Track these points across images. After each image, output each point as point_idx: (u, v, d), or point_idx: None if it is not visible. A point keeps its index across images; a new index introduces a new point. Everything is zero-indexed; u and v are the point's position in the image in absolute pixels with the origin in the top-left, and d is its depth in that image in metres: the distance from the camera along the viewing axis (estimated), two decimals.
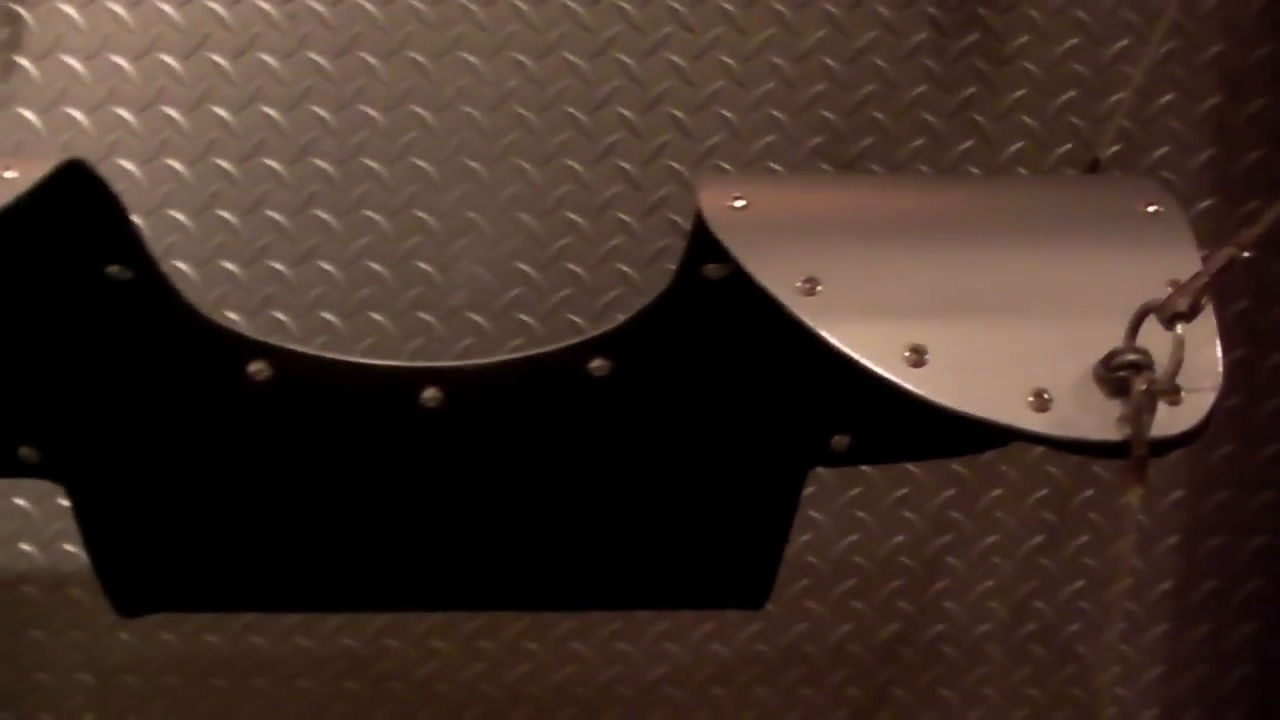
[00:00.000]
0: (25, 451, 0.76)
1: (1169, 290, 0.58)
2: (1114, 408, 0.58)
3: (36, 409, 0.76)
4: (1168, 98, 0.93)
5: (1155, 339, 0.57)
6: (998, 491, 0.98)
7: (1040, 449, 0.93)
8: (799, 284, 0.61)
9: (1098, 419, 0.58)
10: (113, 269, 0.71)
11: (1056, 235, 0.66)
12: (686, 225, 0.88)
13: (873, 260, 0.63)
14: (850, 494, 0.97)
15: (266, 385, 0.74)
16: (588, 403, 0.75)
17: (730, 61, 0.90)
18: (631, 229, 0.92)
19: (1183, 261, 0.61)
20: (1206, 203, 0.93)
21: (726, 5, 0.89)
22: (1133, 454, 0.57)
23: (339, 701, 1.01)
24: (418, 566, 0.80)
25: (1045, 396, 0.58)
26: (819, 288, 0.60)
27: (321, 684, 1.01)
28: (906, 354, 0.59)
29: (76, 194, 0.67)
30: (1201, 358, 0.58)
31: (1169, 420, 0.57)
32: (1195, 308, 0.55)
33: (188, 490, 0.78)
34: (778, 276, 0.61)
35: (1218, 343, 0.59)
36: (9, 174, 0.64)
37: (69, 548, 0.98)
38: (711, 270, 0.71)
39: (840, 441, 0.76)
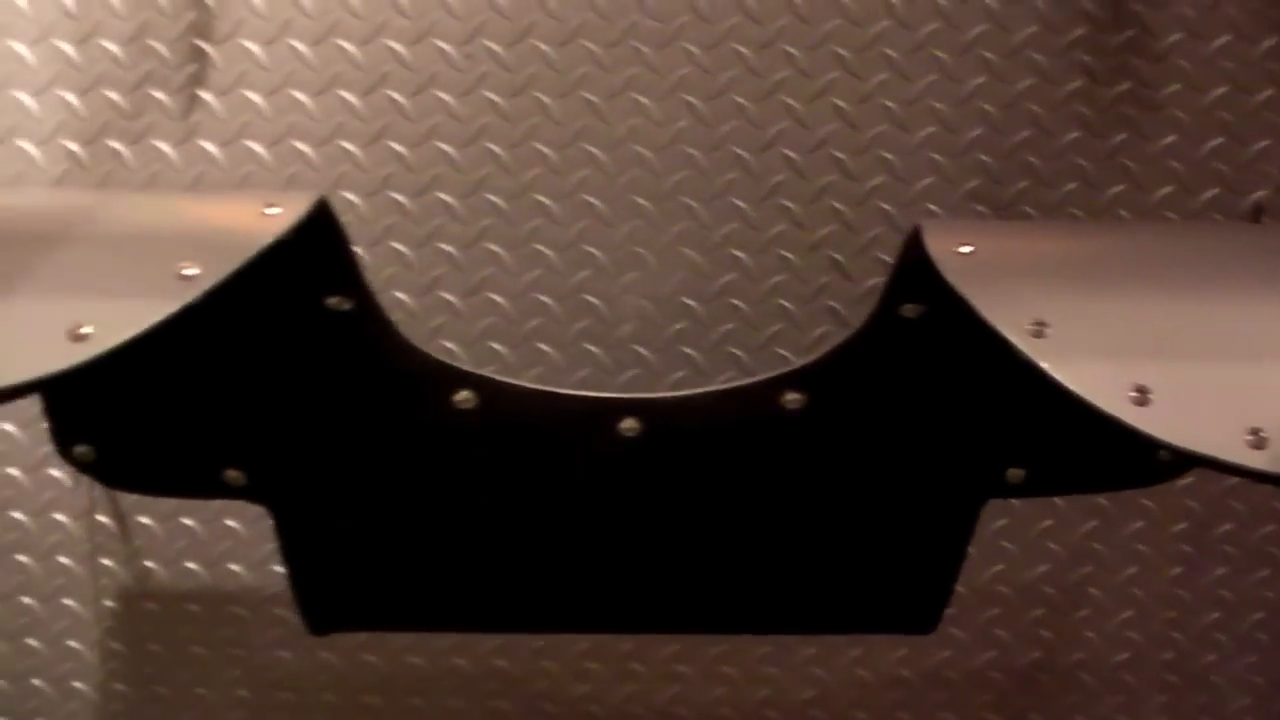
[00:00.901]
0: (232, 474, 0.81)
1: None
2: None
3: (246, 433, 0.80)
4: None
5: None
6: (1139, 524, 1.03)
7: (1183, 482, 0.98)
8: (1028, 326, 0.66)
9: None
10: (332, 300, 0.76)
11: (1262, 281, 0.71)
12: (847, 263, 0.93)
13: (1095, 304, 0.68)
14: (996, 525, 1.02)
15: (472, 414, 0.79)
16: (780, 434, 0.80)
17: (892, 106, 0.95)
18: (794, 266, 0.97)
19: None
20: None
21: (889, 52, 0.94)
22: None
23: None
24: (606, 589, 0.85)
25: (1261, 434, 0.63)
26: (1047, 330, 0.65)
27: (474, 703, 1.05)
28: (1132, 394, 0.64)
29: (311, 228, 0.72)
30: None
31: None
32: None
33: (389, 513, 0.83)
34: (1008, 319, 0.66)
35: None
36: (271, 210, 0.70)
37: (234, 567, 1.03)
38: (908, 310, 0.76)
39: (1016, 474, 0.81)
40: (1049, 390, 0.67)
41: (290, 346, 0.78)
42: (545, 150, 0.96)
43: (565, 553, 0.83)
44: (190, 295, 0.66)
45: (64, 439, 0.79)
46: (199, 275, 0.66)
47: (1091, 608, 1.06)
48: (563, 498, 0.82)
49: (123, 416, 0.80)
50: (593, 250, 0.97)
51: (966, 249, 0.70)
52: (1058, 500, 1.02)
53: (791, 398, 0.79)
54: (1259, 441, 0.62)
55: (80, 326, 0.64)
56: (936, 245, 0.70)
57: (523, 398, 0.80)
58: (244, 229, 0.69)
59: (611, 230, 0.97)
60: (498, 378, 0.80)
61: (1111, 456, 0.81)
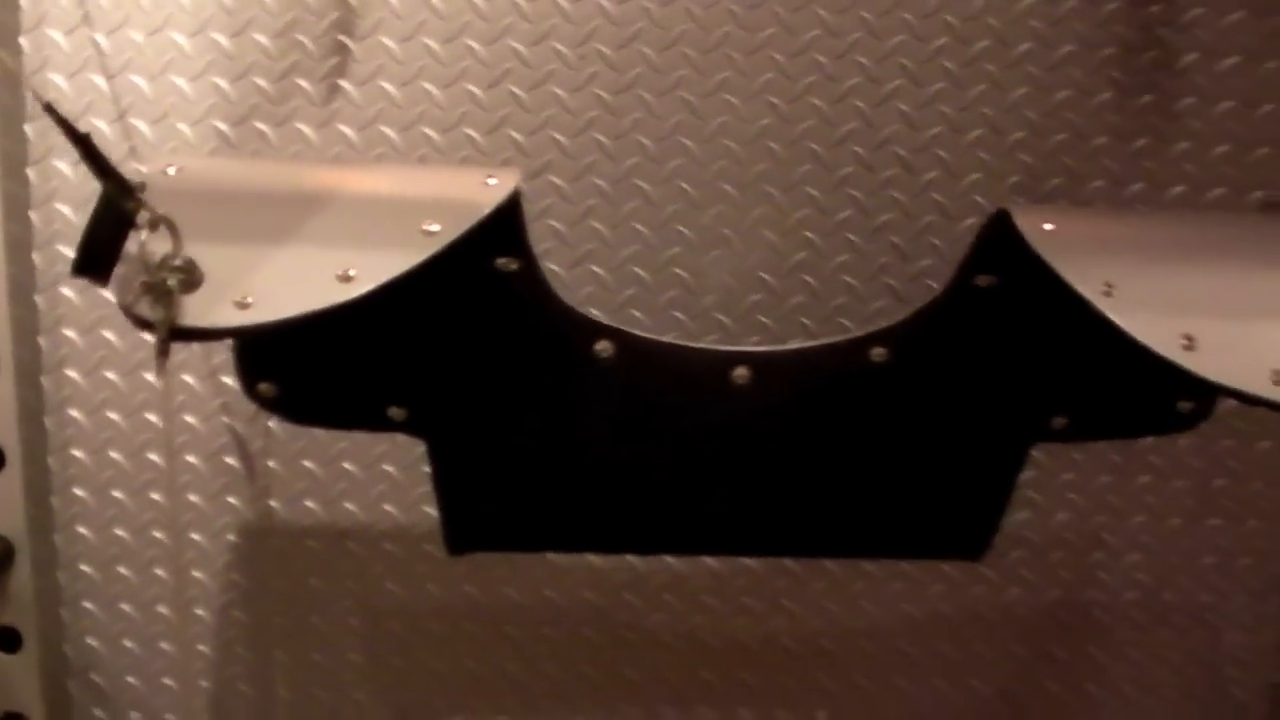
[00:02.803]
0: (394, 411, 1.01)
1: None
2: None
3: (411, 375, 1.00)
4: None
5: None
6: (1147, 478, 1.27)
7: (1186, 443, 1.23)
8: (1101, 288, 0.89)
9: None
10: (501, 260, 0.97)
11: None
12: (904, 246, 1.17)
13: (1153, 271, 0.92)
14: (1025, 478, 1.24)
15: (609, 361, 1.00)
16: (866, 383, 1.02)
17: (947, 111, 1.17)
18: (858, 247, 1.19)
19: None
20: None
21: (946, 64, 1.16)
22: None
23: (581, 649, 1.29)
24: (712, 516, 1.06)
25: None
26: (1115, 290, 0.89)
27: (565, 631, 1.28)
28: (1182, 341, 0.87)
29: (507, 203, 0.94)
30: None
31: None
32: None
33: (531, 448, 1.03)
34: (1085, 281, 0.90)
35: None
36: (491, 181, 0.92)
37: (350, 506, 1.24)
38: (982, 280, 1.00)
39: (1060, 422, 1.04)
40: (1102, 347, 0.90)
41: (459, 299, 0.97)
42: (645, 141, 1.17)
43: (680, 482, 1.04)
44: (434, 247, 0.87)
45: (250, 377, 0.98)
46: (440, 231, 0.88)
47: (1105, 552, 1.28)
48: (681, 434, 1.02)
49: (304, 358, 0.99)
50: (683, 229, 1.19)
51: (1050, 226, 0.94)
52: (1077, 456, 1.24)
53: (878, 352, 1.02)
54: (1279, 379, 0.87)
55: (348, 270, 0.86)
56: (1025, 223, 0.94)
57: (652, 348, 1.01)
58: (472, 195, 0.91)
59: (700, 212, 1.18)
60: (633, 331, 1.01)
61: (1140, 407, 1.05)
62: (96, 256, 0.80)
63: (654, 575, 1.27)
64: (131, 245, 0.82)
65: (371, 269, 0.85)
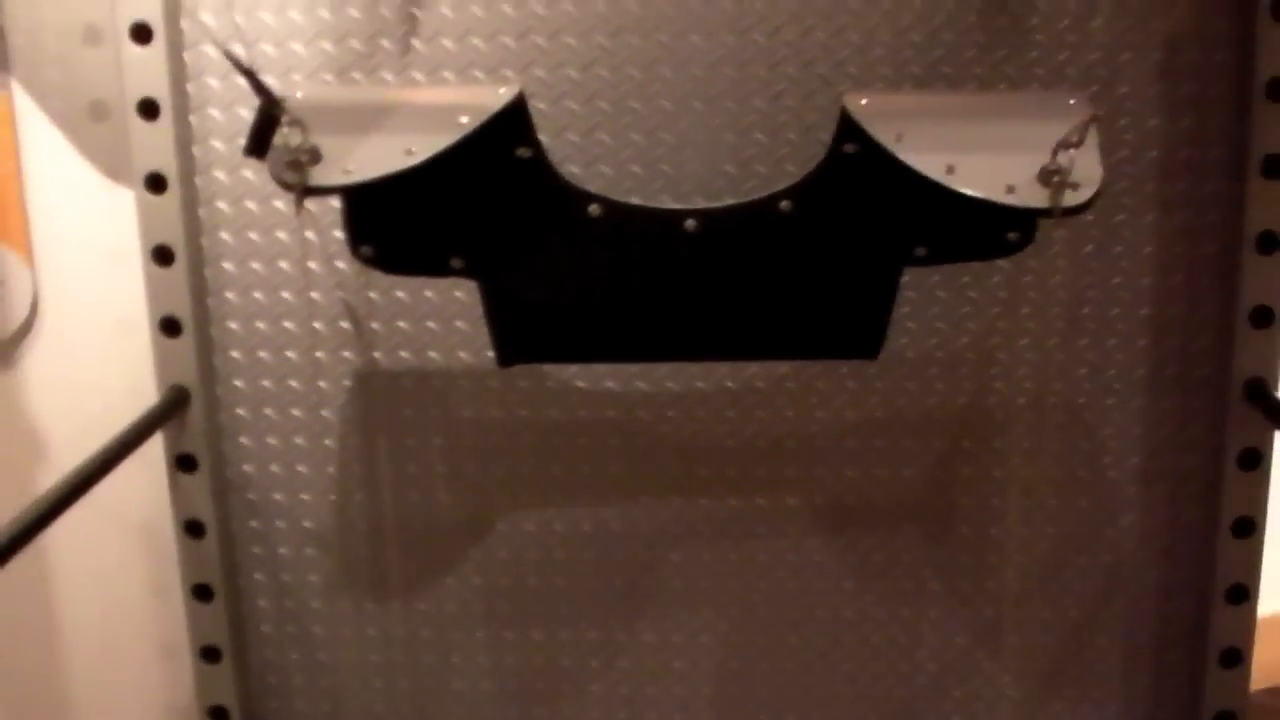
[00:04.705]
0: (455, 261, 1.52)
1: None
2: (1045, 192, 1.41)
3: (465, 234, 1.51)
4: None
5: (1066, 159, 1.46)
6: (1028, 309, 1.71)
7: (1056, 280, 1.80)
8: (893, 136, 1.45)
9: (1039, 198, 1.40)
10: (520, 150, 1.53)
11: (1025, 112, 1.47)
12: (828, 140, 1.73)
13: (933, 126, 1.40)
14: (931, 310, 1.74)
15: (599, 218, 1.51)
16: (778, 227, 1.49)
17: (855, 39, 1.76)
18: (795, 144, 1.69)
19: (1082, 123, 1.45)
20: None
21: (852, 4, 1.80)
22: (1053, 216, 1.40)
23: (607, 454, 1.84)
24: (674, 328, 1.55)
25: (1013, 188, 1.39)
26: (904, 139, 1.42)
27: (596, 440, 1.82)
28: (946, 168, 1.40)
29: (518, 104, 1.54)
30: (1088, 167, 1.40)
31: (1072, 198, 1.41)
32: (1082, 140, 1.43)
33: (550, 283, 1.53)
34: (884, 134, 1.42)
35: (1098, 160, 1.41)
36: (503, 90, 1.50)
37: (432, 354, 1.79)
38: (848, 148, 1.54)
39: (921, 251, 1.52)
40: (931, 191, 1.50)
41: (494, 179, 1.47)
42: (634, 73, 1.68)
43: (651, 303, 1.53)
44: (464, 132, 1.44)
45: (355, 242, 1.52)
46: (468, 122, 1.49)
47: (999, 367, 1.70)
48: (650, 268, 1.51)
49: (390, 224, 1.49)
50: (665, 136, 1.70)
51: (864, 101, 1.49)
52: (972, 292, 1.73)
53: (785, 204, 1.48)
54: (1010, 191, 1.40)
55: (409, 148, 1.49)
56: (850, 101, 1.48)
57: (628, 207, 1.50)
58: (489, 100, 1.47)
59: (677, 122, 1.69)
60: (614, 198, 1.53)
61: (977, 237, 1.55)
62: (258, 144, 1.42)
63: (659, 396, 1.78)
64: (278, 138, 1.45)
65: (424, 146, 1.41)
